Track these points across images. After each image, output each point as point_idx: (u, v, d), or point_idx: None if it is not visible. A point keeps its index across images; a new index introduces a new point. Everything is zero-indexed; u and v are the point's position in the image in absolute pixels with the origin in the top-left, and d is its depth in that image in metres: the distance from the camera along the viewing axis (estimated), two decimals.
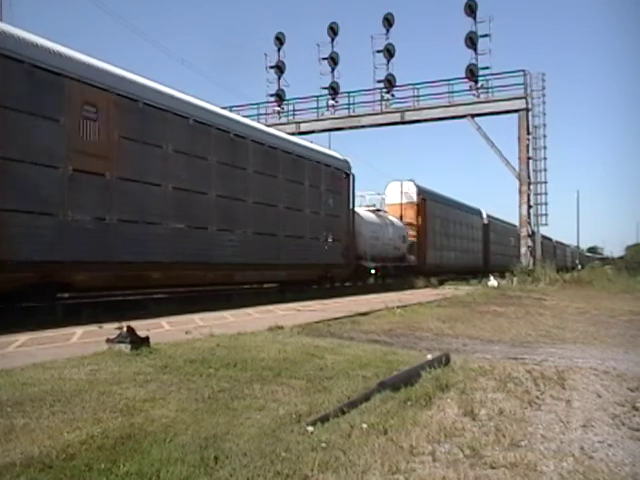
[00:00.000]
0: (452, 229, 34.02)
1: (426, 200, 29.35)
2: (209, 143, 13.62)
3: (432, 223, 30.22)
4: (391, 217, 26.41)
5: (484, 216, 41.69)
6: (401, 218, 27.81)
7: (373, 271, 23.81)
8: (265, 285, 18.16)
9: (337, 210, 19.54)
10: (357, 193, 22.98)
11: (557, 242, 64.92)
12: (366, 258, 22.52)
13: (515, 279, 24.86)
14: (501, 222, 46.92)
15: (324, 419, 3.65)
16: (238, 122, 15.67)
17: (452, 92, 27.34)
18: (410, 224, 28.10)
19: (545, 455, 3.22)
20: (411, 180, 28.83)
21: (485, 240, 41.15)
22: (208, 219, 13.48)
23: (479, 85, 26.95)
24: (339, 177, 19.90)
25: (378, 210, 25.61)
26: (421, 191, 29.05)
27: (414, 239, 28.10)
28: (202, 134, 13.39)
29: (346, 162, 20.57)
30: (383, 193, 29.00)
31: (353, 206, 20.92)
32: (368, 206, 25.44)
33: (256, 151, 15.42)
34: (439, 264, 30.92)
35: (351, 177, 20.50)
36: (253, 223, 15.13)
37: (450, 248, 33.53)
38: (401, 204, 28.45)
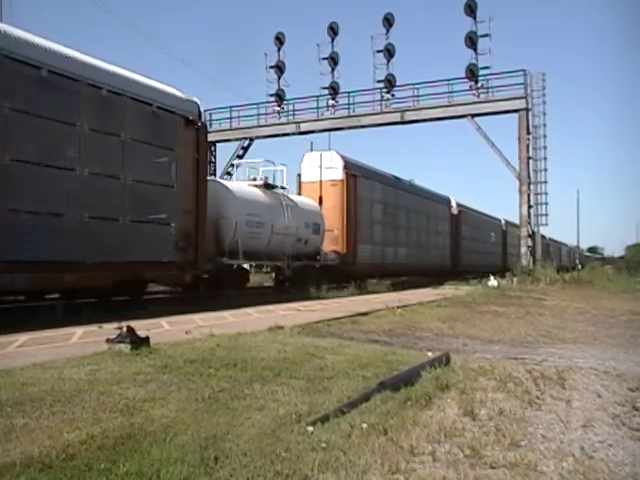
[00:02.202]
0: (402, 218, 26.97)
1: (357, 177, 22.21)
2: None
3: (366, 208, 23.18)
4: (295, 197, 19.55)
5: (453, 205, 34.43)
6: (320, 201, 21.19)
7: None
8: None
9: (167, 177, 12.23)
10: (243, 161, 19.00)
11: (551, 239, 59.87)
12: (237, 254, 15.47)
13: (515, 279, 24.86)
14: (478, 214, 40.33)
15: (324, 419, 3.65)
16: None
17: (452, 92, 27.34)
18: (332, 209, 21.18)
19: (545, 455, 3.22)
20: (335, 151, 22.16)
21: (455, 234, 34.01)
22: None
23: (479, 85, 26.94)
24: (172, 124, 12.51)
25: (269, 186, 18.07)
26: (349, 165, 22.06)
27: (336, 230, 21.10)
28: None
29: (191, 103, 13.31)
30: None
31: (206, 173, 14.16)
32: (256, 180, 18.05)
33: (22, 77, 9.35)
34: (379, 264, 24.02)
35: (201, 128, 13.45)
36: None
37: (398, 243, 26.33)
38: (320, 182, 21.50)
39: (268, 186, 17.97)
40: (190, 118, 13.11)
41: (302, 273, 18.61)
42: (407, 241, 27.46)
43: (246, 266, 17.43)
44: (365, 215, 23.04)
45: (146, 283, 13.19)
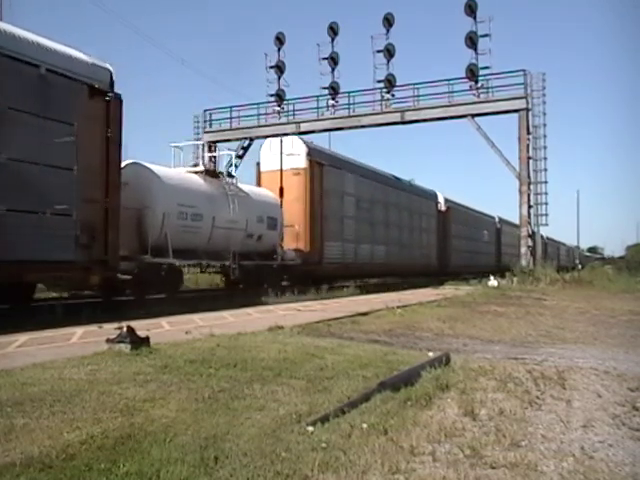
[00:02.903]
0: (380, 214, 24.70)
1: (323, 166, 19.95)
2: None
3: (336, 202, 21.02)
4: (247, 187, 17.11)
5: (441, 201, 32.18)
6: (281, 193, 18.99)
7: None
8: None
9: (63, 157, 9.78)
10: (184, 144, 16.26)
11: (549, 239, 56.86)
12: (166, 251, 13.22)
13: (515, 279, 24.86)
14: (470, 210, 38.00)
15: (324, 419, 3.64)
16: None
17: (452, 92, 27.32)
18: (294, 202, 18.91)
19: (545, 455, 3.22)
20: (297, 136, 20.23)
21: (442, 232, 31.60)
22: None
23: (479, 85, 26.93)
24: (70, 93, 10.01)
25: (212, 173, 15.80)
26: (314, 152, 19.97)
27: (297, 226, 18.87)
28: None
29: (99, 69, 10.81)
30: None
31: (119, 154, 11.19)
32: (196, 166, 16.11)
33: None
34: (351, 263, 21.73)
35: (114, 99, 10.90)
36: None
37: (376, 240, 23.95)
38: (281, 171, 19.24)
39: (211, 173, 15.51)
40: (97, 87, 10.51)
41: (257, 274, 16.32)
42: (386, 239, 24.94)
43: (179, 264, 14.43)
44: (334, 209, 20.75)
45: (32, 287, 11.19)
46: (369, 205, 23.63)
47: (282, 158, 19.38)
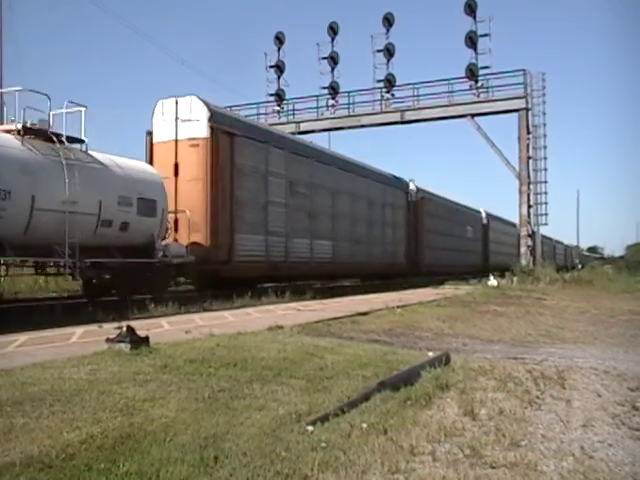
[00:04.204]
0: (324, 202, 19.63)
1: (235, 137, 15.19)
2: None
3: (255, 183, 16.01)
4: (104, 156, 11.89)
5: (413, 190, 27.56)
6: (176, 170, 14.41)
7: None
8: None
9: None
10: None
11: (544, 237, 58.02)
12: None
13: (515, 279, 24.88)
14: (449, 203, 32.81)
15: (324, 419, 3.64)
16: None
17: (452, 92, 27.37)
18: (193, 182, 14.23)
19: (545, 455, 3.22)
20: (196, 95, 14.79)
21: (414, 227, 27.10)
22: None
23: (479, 85, 26.97)
24: None
25: (36, 132, 10.61)
26: (219, 117, 15.10)
27: (194, 212, 13.97)
28: None
29: None
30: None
31: None
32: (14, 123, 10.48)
33: None
34: (280, 262, 16.80)
35: None
36: None
37: (318, 234, 19.00)
38: (176, 142, 14.56)
39: (35, 133, 10.58)
40: None
41: (127, 276, 11.93)
42: (333, 233, 20.16)
43: None
44: (253, 193, 15.88)
45: None
46: (308, 190, 18.44)
47: (177, 125, 14.59)
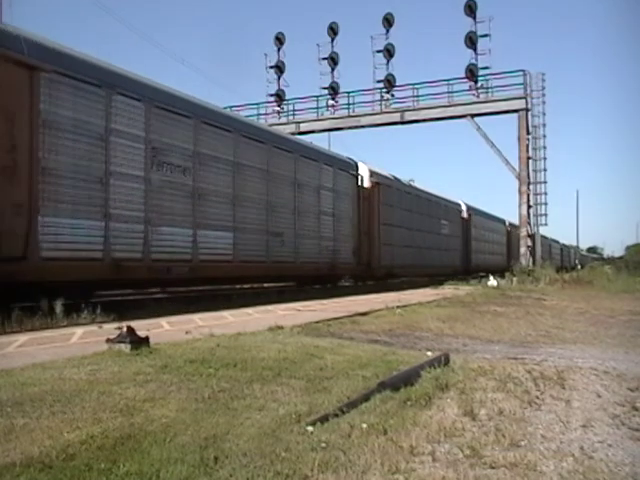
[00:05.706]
0: (216, 180, 13.84)
1: (35, 71, 9.16)
2: None
3: (75, 142, 10.12)
4: None
5: (363, 174, 21.79)
6: None
7: None
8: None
9: None
10: None
11: (543, 237, 54.31)
12: None
13: (515, 279, 24.90)
14: (415, 190, 27.55)
15: (324, 419, 3.65)
16: None
17: (452, 92, 27.40)
18: None
19: (545, 455, 3.22)
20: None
21: (366, 217, 21.69)
22: None
23: (479, 85, 27.01)
24: None
25: None
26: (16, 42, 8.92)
27: None
28: None
29: None
30: None
31: None
32: None
33: None
34: (132, 260, 11.17)
35: None
36: None
37: (206, 223, 13.38)
38: None
39: None
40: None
41: None
42: (233, 221, 14.40)
43: None
44: (78, 158, 10.24)
45: None
46: (188, 162, 12.94)
47: None
